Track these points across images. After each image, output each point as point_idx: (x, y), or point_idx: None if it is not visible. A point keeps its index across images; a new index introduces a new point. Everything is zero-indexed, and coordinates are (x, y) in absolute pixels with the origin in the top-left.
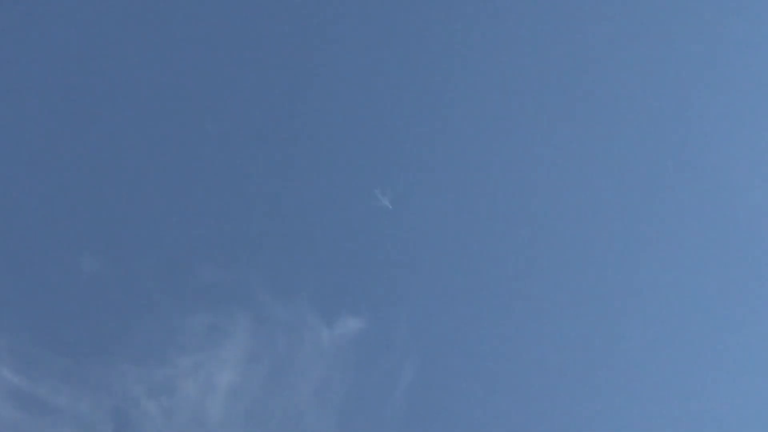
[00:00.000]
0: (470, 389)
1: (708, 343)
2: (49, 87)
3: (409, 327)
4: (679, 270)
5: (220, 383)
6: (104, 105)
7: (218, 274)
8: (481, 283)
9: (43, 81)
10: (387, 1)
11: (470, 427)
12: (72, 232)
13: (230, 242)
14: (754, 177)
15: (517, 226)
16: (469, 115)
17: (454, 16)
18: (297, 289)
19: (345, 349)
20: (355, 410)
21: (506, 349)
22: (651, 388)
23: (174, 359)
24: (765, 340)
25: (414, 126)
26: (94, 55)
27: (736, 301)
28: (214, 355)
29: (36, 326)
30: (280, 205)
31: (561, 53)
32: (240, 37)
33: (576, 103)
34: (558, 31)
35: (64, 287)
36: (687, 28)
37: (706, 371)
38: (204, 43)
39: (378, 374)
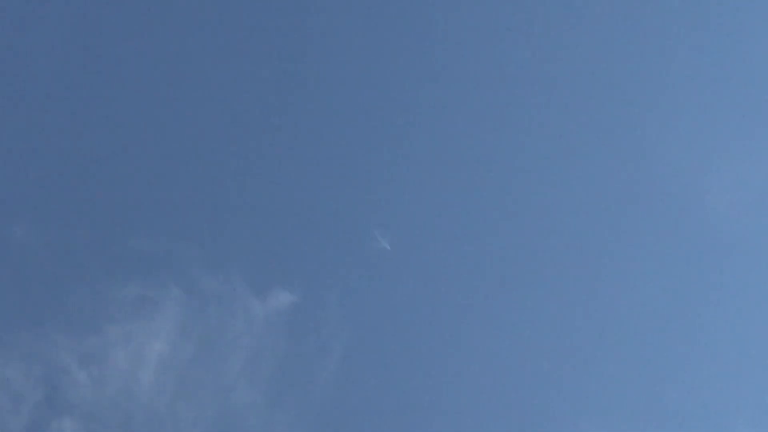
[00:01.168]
0: (401, 364)
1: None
2: None
3: (340, 302)
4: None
5: (151, 354)
6: (34, 69)
7: (151, 245)
8: (413, 257)
9: None
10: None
11: (401, 402)
12: (4, 200)
13: (163, 213)
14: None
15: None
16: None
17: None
18: (229, 261)
19: (276, 322)
20: (285, 384)
21: (437, 323)
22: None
23: (105, 329)
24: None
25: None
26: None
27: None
28: (145, 326)
29: None
30: (214, 178)
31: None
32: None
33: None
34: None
35: None
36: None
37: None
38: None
39: (309, 348)
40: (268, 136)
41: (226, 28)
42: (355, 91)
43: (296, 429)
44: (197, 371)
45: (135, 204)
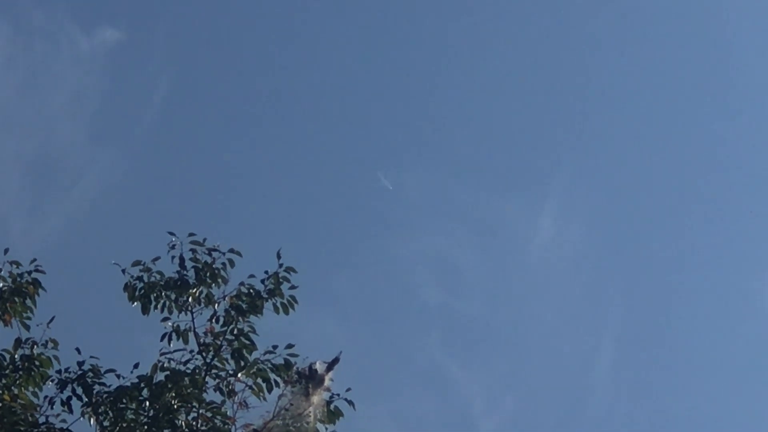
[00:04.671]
0: (224, 101)
1: None
2: None
3: (166, 40)
4: None
5: None
6: None
7: None
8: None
9: None
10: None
11: (220, 143)
12: None
13: None
14: None
15: None
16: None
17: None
18: None
19: (102, 58)
20: (109, 121)
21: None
22: None
23: None
24: None
25: None
26: None
27: None
28: None
29: None
30: None
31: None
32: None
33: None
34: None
35: None
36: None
37: None
38: None
39: (134, 85)
40: None
41: None
42: None
43: (118, 167)
44: (20, 107)
45: None
